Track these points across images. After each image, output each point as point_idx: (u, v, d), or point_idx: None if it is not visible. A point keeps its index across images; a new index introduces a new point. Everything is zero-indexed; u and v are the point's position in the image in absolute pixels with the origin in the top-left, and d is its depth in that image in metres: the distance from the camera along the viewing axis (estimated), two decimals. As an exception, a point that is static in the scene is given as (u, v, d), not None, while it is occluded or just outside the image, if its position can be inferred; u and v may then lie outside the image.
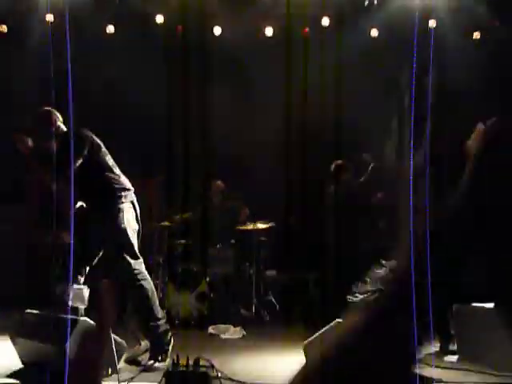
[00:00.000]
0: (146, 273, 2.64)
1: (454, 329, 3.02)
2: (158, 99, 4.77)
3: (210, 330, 3.71)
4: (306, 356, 2.12)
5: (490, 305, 2.77)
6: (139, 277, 2.55)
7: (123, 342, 2.16)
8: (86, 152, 2.60)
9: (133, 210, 2.71)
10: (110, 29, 5.04)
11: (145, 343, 2.53)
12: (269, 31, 5.02)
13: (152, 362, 2.32)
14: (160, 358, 2.36)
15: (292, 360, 2.57)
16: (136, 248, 2.61)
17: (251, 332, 3.73)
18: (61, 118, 2.80)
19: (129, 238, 2.58)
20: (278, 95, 4.86)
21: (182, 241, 4.52)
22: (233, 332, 3.66)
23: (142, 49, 4.95)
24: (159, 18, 4.99)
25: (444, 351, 3.02)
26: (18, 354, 2.11)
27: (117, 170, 2.77)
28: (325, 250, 4.46)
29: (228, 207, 4.72)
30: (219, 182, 4.76)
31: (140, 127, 4.86)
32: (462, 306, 2.93)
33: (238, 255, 4.49)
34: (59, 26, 4.97)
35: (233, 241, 4.51)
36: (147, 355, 2.35)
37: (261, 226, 4.43)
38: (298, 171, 4.94)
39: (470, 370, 2.58)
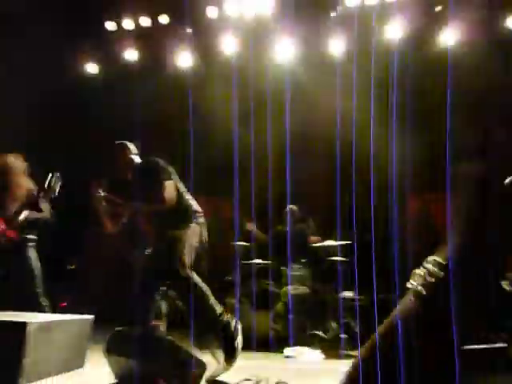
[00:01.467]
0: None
1: None
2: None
3: (287, 352, 3.67)
4: None
5: None
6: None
7: (204, 360, 2.21)
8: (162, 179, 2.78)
9: (198, 230, 2.84)
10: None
11: (223, 361, 2.57)
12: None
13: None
14: (232, 352, 2.43)
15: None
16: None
17: (330, 355, 3.63)
18: (134, 151, 3.05)
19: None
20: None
21: (258, 261, 4.58)
22: (311, 355, 3.59)
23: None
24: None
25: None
26: (112, 370, 2.25)
27: (188, 195, 2.93)
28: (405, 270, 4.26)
29: (302, 229, 4.78)
30: (292, 206, 4.90)
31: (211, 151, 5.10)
32: None
33: (314, 276, 4.44)
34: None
35: (304, 260, 4.50)
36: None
37: (334, 244, 4.37)
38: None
39: None
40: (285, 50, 5.31)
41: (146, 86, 5.35)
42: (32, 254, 3.10)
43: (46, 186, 3.08)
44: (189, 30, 5.65)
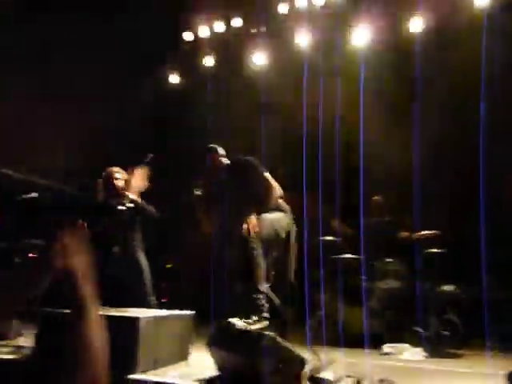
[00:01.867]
0: None
1: None
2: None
3: (386, 348, 3.55)
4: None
5: None
6: None
7: (305, 357, 2.21)
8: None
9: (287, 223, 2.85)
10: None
11: (324, 358, 2.56)
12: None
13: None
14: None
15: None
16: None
17: (432, 353, 3.44)
18: (223, 153, 3.15)
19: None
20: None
21: (349, 255, 4.49)
22: (413, 353, 3.43)
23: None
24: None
25: None
26: (214, 362, 2.36)
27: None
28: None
29: (389, 221, 4.60)
30: (378, 198, 4.72)
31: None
32: None
33: (408, 269, 4.24)
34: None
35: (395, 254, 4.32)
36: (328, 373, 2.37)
37: (427, 235, 4.13)
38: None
39: None
40: (360, 38, 5.11)
41: (224, 89, 5.50)
42: (140, 254, 3.34)
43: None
44: (263, 30, 5.69)
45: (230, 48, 5.92)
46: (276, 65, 5.70)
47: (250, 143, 5.16)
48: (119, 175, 3.35)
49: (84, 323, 0.97)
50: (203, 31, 5.84)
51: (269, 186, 2.78)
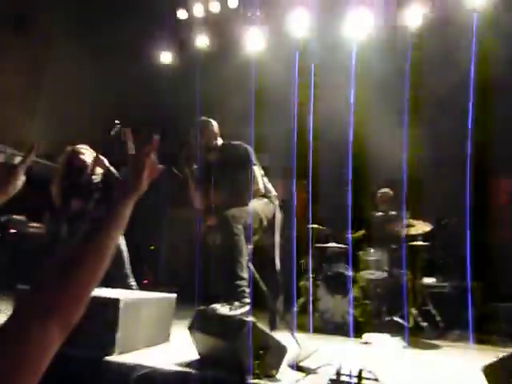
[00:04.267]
0: None
1: None
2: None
3: (366, 337, 3.57)
4: (489, 382, 1.86)
5: None
6: None
7: (285, 344, 2.21)
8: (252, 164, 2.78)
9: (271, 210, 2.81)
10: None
11: (306, 347, 2.56)
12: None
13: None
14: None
15: (466, 379, 2.33)
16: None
17: (411, 343, 3.48)
18: (217, 130, 3.05)
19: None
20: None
21: (335, 244, 4.49)
22: (392, 342, 3.47)
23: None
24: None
25: None
26: (195, 346, 2.33)
27: (264, 179, 2.92)
28: (491, 255, 4.00)
29: (392, 215, 4.61)
30: (387, 190, 4.72)
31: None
32: None
33: (393, 261, 4.26)
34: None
35: (393, 246, 4.32)
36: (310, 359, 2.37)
37: (416, 230, 4.15)
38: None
39: None
40: (358, 25, 5.04)
41: (216, 71, 5.39)
42: (121, 239, 3.28)
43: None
44: (258, 13, 5.57)
45: (224, 29, 5.79)
46: (269, 49, 5.61)
47: (239, 127, 5.10)
48: (85, 151, 3.26)
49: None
50: (198, 10, 5.70)
51: (253, 181, 2.73)
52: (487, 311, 4.14)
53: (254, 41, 5.58)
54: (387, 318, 3.96)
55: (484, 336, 3.74)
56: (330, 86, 4.75)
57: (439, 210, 4.74)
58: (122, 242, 3.24)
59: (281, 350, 2.19)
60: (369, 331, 3.67)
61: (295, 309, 4.17)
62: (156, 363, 2.16)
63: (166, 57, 6.07)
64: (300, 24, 5.23)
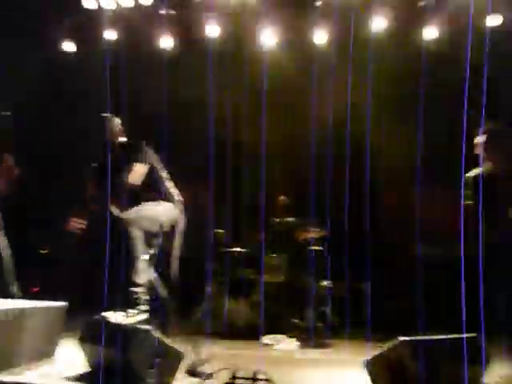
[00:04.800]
0: None
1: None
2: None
3: (265, 339, 3.68)
4: (370, 375, 2.03)
5: None
6: None
7: (181, 350, 2.17)
8: (147, 163, 2.70)
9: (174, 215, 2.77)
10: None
11: (204, 352, 2.55)
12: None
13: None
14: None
15: (352, 375, 2.50)
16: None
17: (306, 344, 3.66)
18: (120, 126, 2.93)
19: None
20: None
21: (237, 249, 4.55)
22: (287, 343, 3.61)
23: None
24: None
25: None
26: (86, 358, 2.19)
27: (169, 183, 2.87)
28: (380, 259, 4.36)
29: (290, 222, 4.79)
30: (283, 197, 4.89)
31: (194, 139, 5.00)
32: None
33: (293, 265, 4.45)
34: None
35: (293, 250, 4.51)
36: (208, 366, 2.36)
37: (314, 235, 4.40)
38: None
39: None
40: (268, 37, 5.19)
41: (125, 67, 5.17)
42: (1, 240, 2.97)
43: None
44: (171, 12, 5.47)
45: (134, 26, 5.57)
46: (182, 50, 5.53)
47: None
48: None
49: None
50: (107, 2, 5.39)
51: (132, 175, 2.66)
52: (377, 310, 4.51)
53: (165, 40, 5.46)
54: (287, 320, 4.11)
55: (375, 333, 4.04)
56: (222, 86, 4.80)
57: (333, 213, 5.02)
58: (2, 245, 2.94)
59: (177, 357, 2.16)
60: (269, 333, 3.79)
61: (196, 313, 4.14)
62: (34, 380, 1.98)
63: (69, 46, 5.67)
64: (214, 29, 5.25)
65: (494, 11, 4.61)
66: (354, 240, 5.01)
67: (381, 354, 2.02)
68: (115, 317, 2.39)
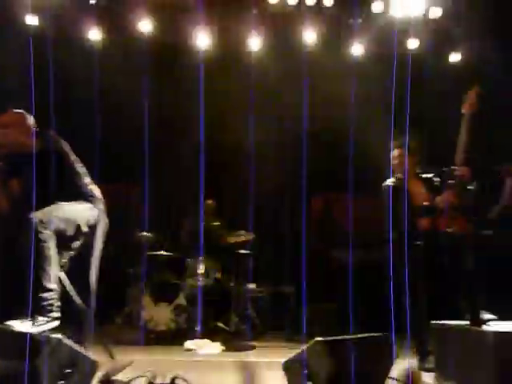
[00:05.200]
0: None
1: (432, 346, 3.03)
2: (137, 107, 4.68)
3: (187, 344, 3.63)
4: (287, 376, 2.08)
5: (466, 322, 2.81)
6: None
7: (95, 358, 2.07)
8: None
9: (93, 215, 2.65)
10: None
11: (121, 360, 2.46)
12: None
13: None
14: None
15: (273, 377, 2.54)
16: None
17: (230, 347, 3.67)
18: (32, 122, 2.72)
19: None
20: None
21: (162, 252, 4.45)
22: (211, 347, 3.59)
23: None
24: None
25: (420, 369, 3.03)
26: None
27: (87, 179, 2.71)
28: (305, 263, 4.50)
29: (217, 226, 4.78)
30: (210, 201, 4.86)
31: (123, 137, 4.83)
32: (439, 322, 2.95)
33: (218, 268, 4.45)
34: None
35: (220, 254, 4.51)
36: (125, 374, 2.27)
37: (241, 238, 4.44)
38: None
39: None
40: (200, 38, 5.16)
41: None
42: None
43: None
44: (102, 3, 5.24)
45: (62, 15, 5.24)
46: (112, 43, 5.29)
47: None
48: None
49: None
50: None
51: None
52: (299, 313, 4.64)
53: (95, 31, 5.21)
54: (212, 324, 4.10)
55: (298, 335, 4.15)
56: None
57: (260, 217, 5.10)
58: None
59: (91, 367, 2.05)
60: (193, 338, 3.74)
61: (116, 319, 3.99)
62: None
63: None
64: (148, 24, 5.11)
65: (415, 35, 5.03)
66: (280, 244, 5.15)
67: (298, 355, 2.08)
68: (23, 325, 2.21)
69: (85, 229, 2.61)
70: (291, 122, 5.12)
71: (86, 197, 2.66)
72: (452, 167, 2.96)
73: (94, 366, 2.05)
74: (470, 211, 2.96)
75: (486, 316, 2.57)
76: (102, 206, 2.75)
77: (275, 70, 5.05)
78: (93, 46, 5.16)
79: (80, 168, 2.70)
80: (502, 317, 2.87)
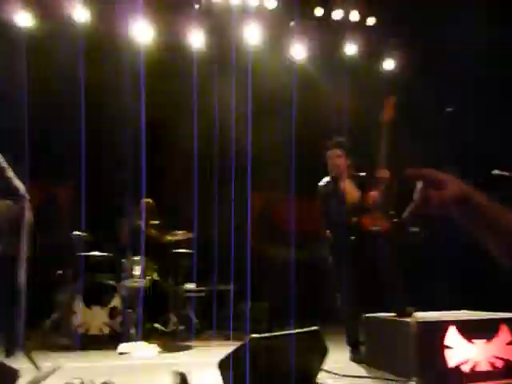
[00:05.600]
0: None
1: (363, 338, 3.19)
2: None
3: (122, 348, 3.51)
4: (221, 374, 2.09)
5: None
6: None
7: (16, 367, 1.95)
8: None
9: (10, 210, 2.49)
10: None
11: (46, 366, 2.33)
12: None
13: None
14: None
15: (209, 376, 2.53)
16: None
17: (167, 348, 3.60)
18: None
19: None
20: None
21: (95, 253, 4.26)
22: (147, 349, 3.50)
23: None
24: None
25: (353, 359, 3.18)
26: None
27: (9, 173, 2.53)
28: (242, 262, 4.54)
29: (155, 225, 4.64)
30: (147, 200, 4.70)
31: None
32: (370, 315, 3.11)
33: (155, 268, 4.35)
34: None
35: (157, 254, 4.39)
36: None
37: (179, 237, 4.38)
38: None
39: (376, 378, 2.71)
40: (141, 33, 5.01)
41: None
42: None
43: None
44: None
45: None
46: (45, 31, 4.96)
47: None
48: None
49: None
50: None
51: None
52: (238, 311, 4.66)
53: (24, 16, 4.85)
54: (149, 326, 3.99)
55: (239, 334, 4.15)
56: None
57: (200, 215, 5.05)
58: None
59: (12, 376, 1.93)
60: (128, 341, 3.63)
61: (45, 325, 3.77)
62: None
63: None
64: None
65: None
66: (221, 242, 5.13)
67: (232, 353, 2.09)
68: None
69: (3, 227, 2.43)
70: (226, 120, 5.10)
71: (8, 193, 2.48)
72: (378, 168, 3.13)
73: (15, 375, 1.93)
74: (391, 210, 3.15)
75: None
76: (25, 203, 2.57)
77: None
78: (21, 31, 4.82)
79: (1, 161, 2.51)
80: (424, 308, 3.09)
